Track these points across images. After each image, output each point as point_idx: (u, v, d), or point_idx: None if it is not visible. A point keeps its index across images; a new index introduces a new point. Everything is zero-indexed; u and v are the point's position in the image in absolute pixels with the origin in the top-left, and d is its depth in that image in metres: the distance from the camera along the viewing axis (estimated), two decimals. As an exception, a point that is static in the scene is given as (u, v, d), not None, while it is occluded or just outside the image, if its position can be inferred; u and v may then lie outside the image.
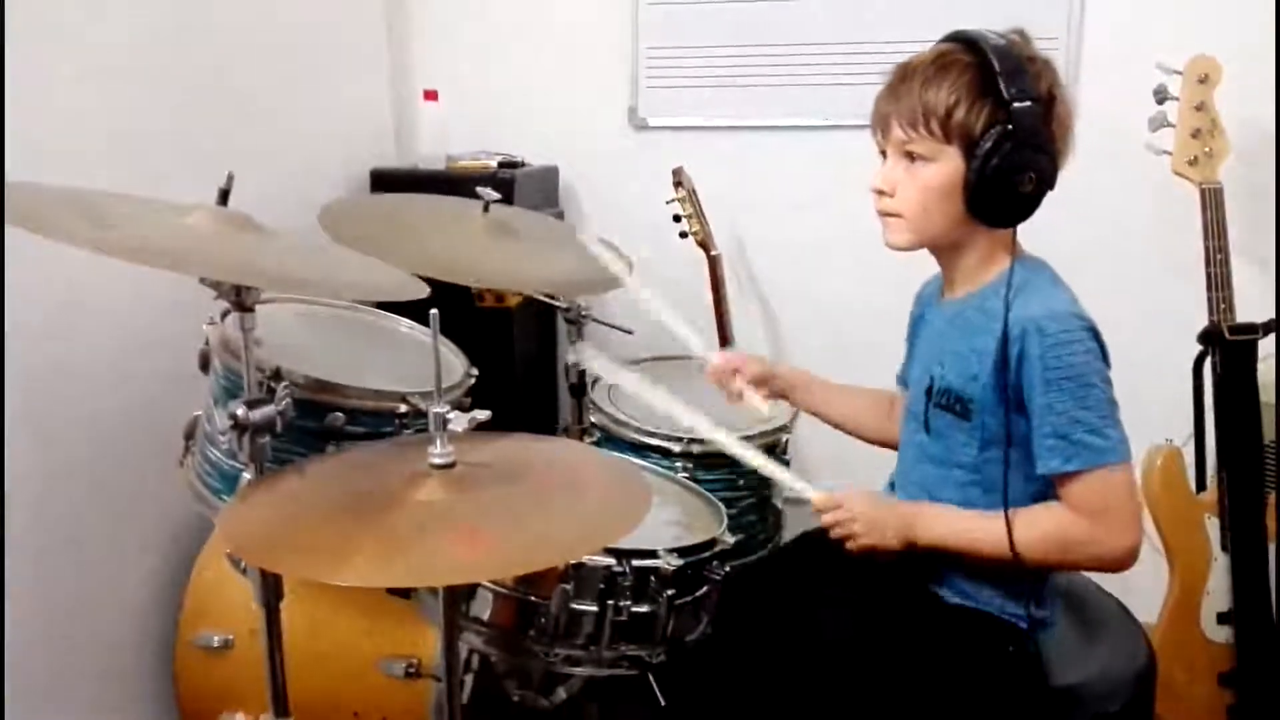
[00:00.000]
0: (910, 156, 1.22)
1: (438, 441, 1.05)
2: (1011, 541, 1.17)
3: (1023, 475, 1.20)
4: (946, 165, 1.20)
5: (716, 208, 2.21)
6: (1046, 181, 1.18)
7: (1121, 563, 1.17)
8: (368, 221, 1.64)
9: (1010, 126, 1.15)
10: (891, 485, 1.41)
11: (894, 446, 1.51)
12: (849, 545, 1.26)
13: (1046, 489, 1.20)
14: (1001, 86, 1.15)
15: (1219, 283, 1.76)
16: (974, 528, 1.22)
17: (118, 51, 1.67)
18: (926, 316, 1.41)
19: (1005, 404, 1.19)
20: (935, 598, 1.28)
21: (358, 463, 1.24)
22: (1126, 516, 1.16)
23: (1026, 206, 1.19)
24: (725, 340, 2.20)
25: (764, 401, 1.54)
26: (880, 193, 1.27)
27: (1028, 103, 1.15)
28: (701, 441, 1.71)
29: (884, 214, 1.27)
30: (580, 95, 2.51)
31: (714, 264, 2.19)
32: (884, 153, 1.27)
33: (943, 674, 1.23)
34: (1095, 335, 1.17)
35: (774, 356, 2.46)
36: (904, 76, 1.23)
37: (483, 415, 1.11)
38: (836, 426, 1.57)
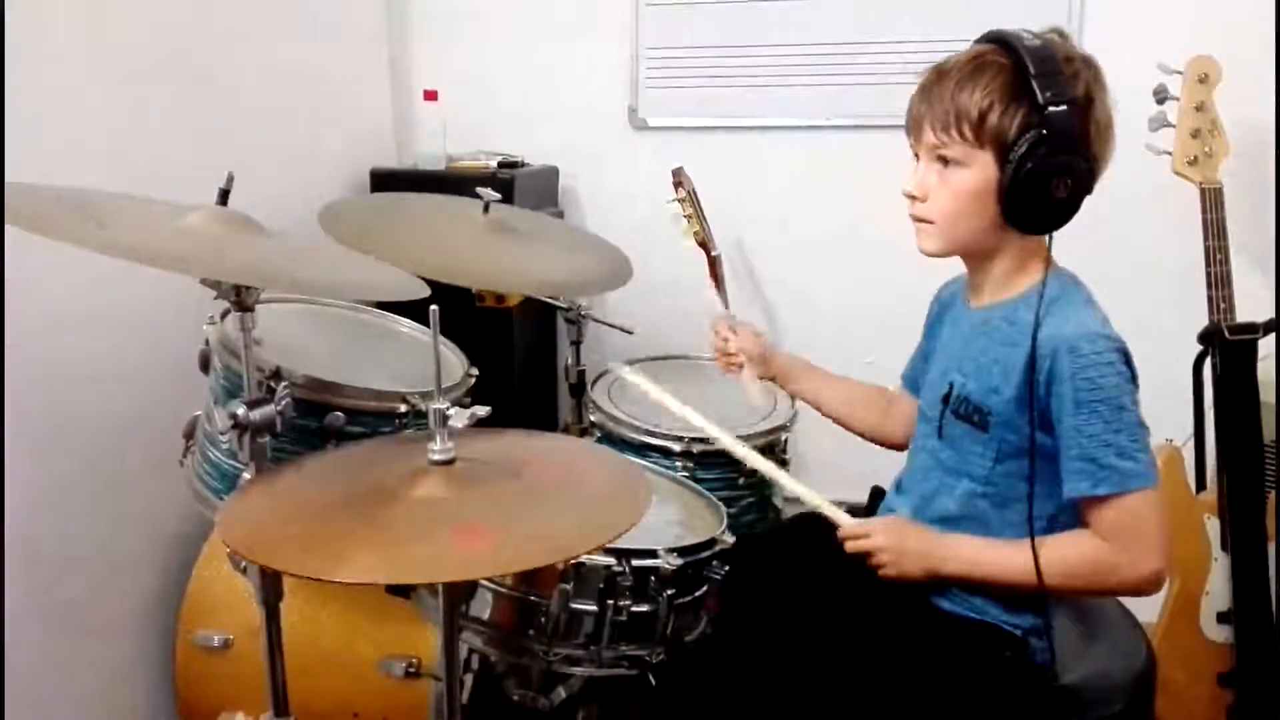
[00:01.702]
0: (943, 161, 1.19)
1: (437, 437, 1.05)
2: (1039, 571, 1.15)
3: (1041, 493, 1.18)
4: (980, 170, 1.17)
5: (716, 208, 2.20)
6: (1084, 186, 1.15)
7: (1147, 588, 1.15)
8: (368, 221, 1.64)
9: (1045, 131, 1.12)
10: (898, 486, 1.40)
11: (885, 443, 1.52)
12: (879, 573, 1.25)
13: (1063, 506, 1.18)
14: (1036, 89, 1.12)
15: (1219, 282, 1.76)
16: (999, 559, 1.20)
17: (118, 51, 1.67)
18: (946, 320, 1.38)
19: (1029, 420, 1.17)
20: (933, 605, 1.27)
21: (357, 460, 1.24)
22: (1152, 541, 1.14)
23: (1062, 212, 1.16)
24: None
25: (754, 382, 1.55)
26: (912, 198, 1.24)
27: (1063, 106, 1.12)
28: (702, 440, 1.71)
29: (916, 219, 1.24)
30: (580, 95, 2.51)
31: (714, 264, 2.19)
32: (917, 155, 1.24)
33: (941, 681, 1.22)
34: (1126, 357, 1.15)
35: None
36: (937, 78, 1.19)
37: (482, 411, 1.10)
38: (828, 416, 1.57)
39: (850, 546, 1.27)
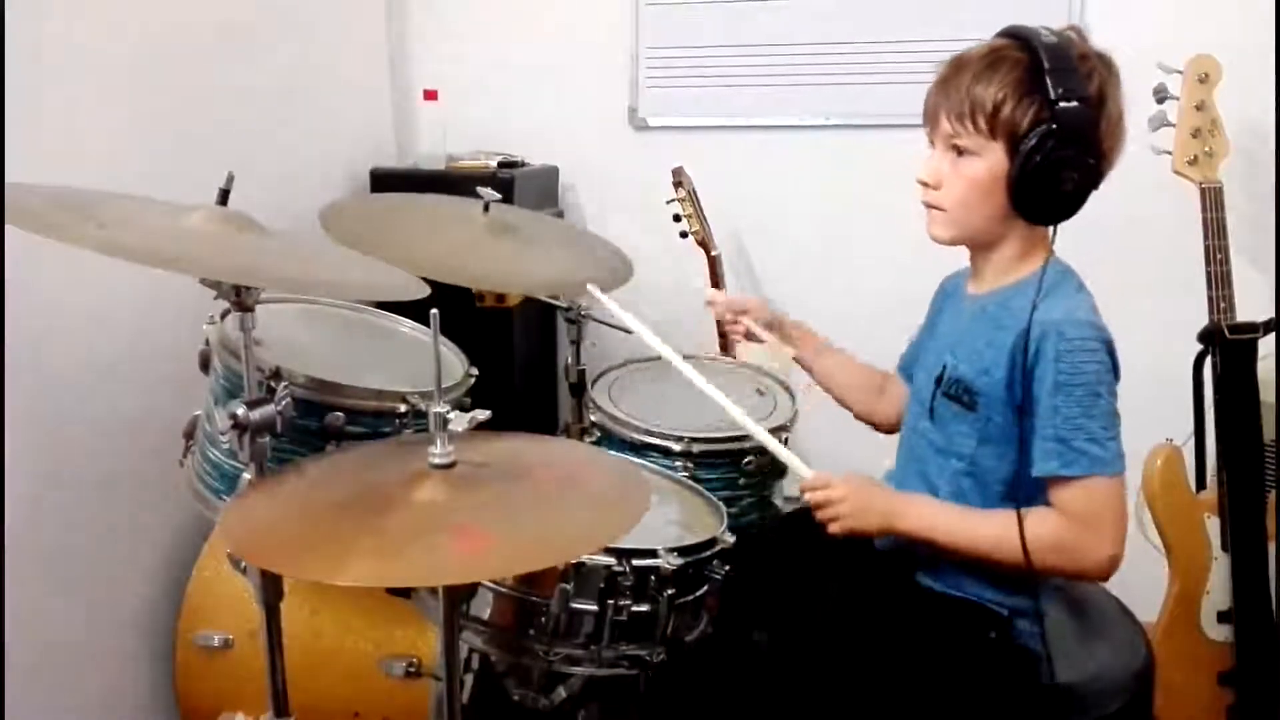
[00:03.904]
0: (957, 150, 1.23)
1: (437, 441, 1.05)
2: (1001, 539, 1.18)
3: (1023, 475, 1.21)
4: (991, 161, 1.20)
5: (716, 208, 2.21)
6: (1091, 180, 1.18)
7: (1101, 573, 1.18)
8: (368, 221, 1.64)
9: (1055, 125, 1.15)
10: (889, 472, 1.42)
11: (874, 423, 1.56)
12: (831, 528, 1.27)
13: (1042, 492, 1.20)
14: (1049, 84, 1.15)
15: (1219, 282, 1.76)
16: (959, 523, 1.23)
17: (118, 51, 1.67)
18: (947, 308, 1.42)
19: (1016, 403, 1.19)
20: (919, 586, 1.29)
21: (358, 463, 1.24)
22: (1112, 528, 1.16)
23: (1069, 205, 1.19)
24: (725, 338, 2.20)
25: (767, 346, 1.57)
26: (925, 184, 1.27)
27: (1074, 102, 1.15)
28: (702, 440, 1.71)
29: (928, 206, 1.28)
30: (580, 95, 2.51)
31: (714, 264, 2.19)
32: (933, 143, 1.28)
33: (927, 661, 1.24)
34: (1110, 349, 1.18)
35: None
36: (955, 70, 1.23)
37: (483, 415, 1.11)
38: (824, 386, 1.60)
39: (810, 498, 1.29)
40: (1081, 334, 1.16)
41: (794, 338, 1.60)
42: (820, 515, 1.29)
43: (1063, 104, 1.15)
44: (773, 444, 1.39)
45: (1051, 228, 1.24)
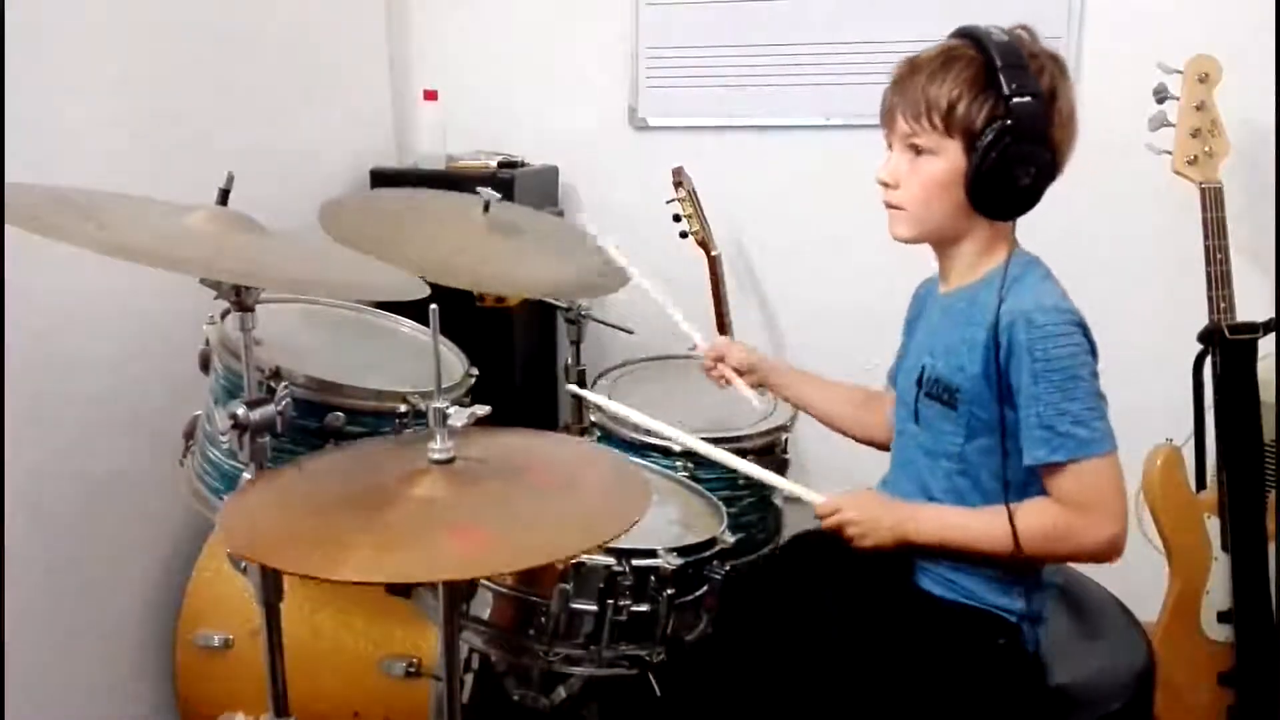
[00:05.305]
0: (915, 149, 1.24)
1: (437, 436, 1.05)
2: (1005, 536, 1.18)
3: (1011, 466, 1.21)
4: (948, 159, 1.21)
5: (716, 208, 2.21)
6: (1046, 175, 1.19)
7: (1104, 554, 1.18)
8: (368, 221, 1.64)
9: (1009, 121, 1.16)
10: (884, 479, 1.42)
11: (873, 441, 1.54)
12: (852, 545, 1.28)
13: (1034, 481, 1.21)
14: (1002, 81, 1.16)
15: (1219, 282, 1.76)
16: (967, 524, 1.24)
17: (118, 51, 1.67)
18: (923, 313, 1.42)
19: (996, 395, 1.20)
20: (927, 593, 1.29)
21: (357, 459, 1.24)
22: (1110, 507, 1.17)
23: (1026, 199, 1.20)
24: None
25: (750, 390, 1.59)
26: (885, 184, 1.28)
27: (1028, 98, 1.16)
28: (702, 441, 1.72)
29: (889, 205, 1.29)
30: (580, 95, 2.51)
31: (714, 264, 2.19)
32: (890, 144, 1.29)
33: (936, 669, 1.23)
34: (1083, 329, 1.18)
35: (773, 356, 2.46)
36: (910, 71, 1.24)
37: (482, 410, 1.10)
38: (815, 417, 1.60)
39: (825, 524, 1.30)
40: (1050, 319, 1.16)
41: (768, 377, 1.60)
42: (843, 536, 1.30)
43: (1016, 99, 1.16)
44: (779, 480, 1.41)
45: (1012, 222, 1.25)
